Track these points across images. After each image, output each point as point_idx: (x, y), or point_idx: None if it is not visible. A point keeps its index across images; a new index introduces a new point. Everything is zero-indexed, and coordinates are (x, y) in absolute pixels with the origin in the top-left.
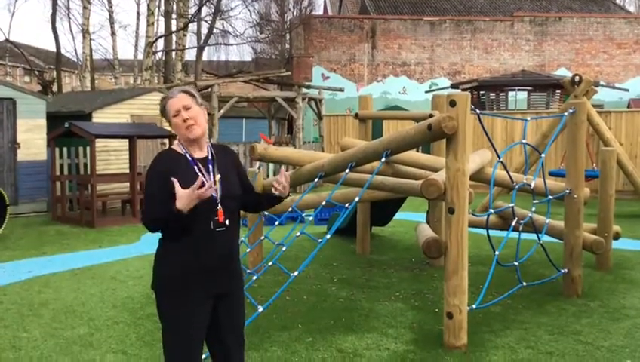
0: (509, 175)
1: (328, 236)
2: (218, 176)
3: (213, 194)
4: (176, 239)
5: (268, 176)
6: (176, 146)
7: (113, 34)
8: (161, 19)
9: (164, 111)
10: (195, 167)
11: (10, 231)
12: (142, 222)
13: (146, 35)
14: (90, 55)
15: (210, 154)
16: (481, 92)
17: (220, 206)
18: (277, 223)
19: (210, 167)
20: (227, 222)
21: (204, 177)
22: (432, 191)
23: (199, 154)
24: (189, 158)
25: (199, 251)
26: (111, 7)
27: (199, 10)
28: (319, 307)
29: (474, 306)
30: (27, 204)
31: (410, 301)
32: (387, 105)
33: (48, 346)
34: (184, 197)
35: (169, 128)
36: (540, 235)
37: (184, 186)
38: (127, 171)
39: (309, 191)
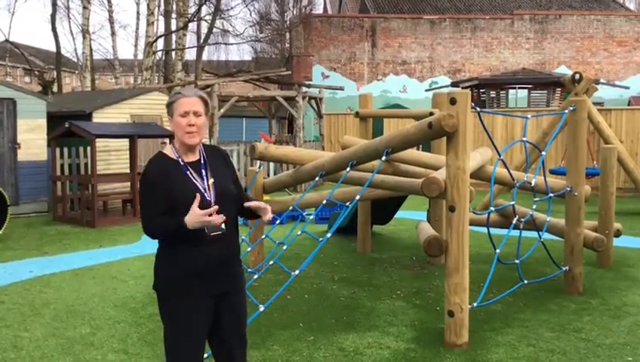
0: (509, 173)
1: (329, 235)
2: (211, 181)
3: (207, 198)
4: (174, 243)
5: (268, 175)
6: (168, 150)
7: (113, 34)
8: (161, 18)
9: (170, 106)
10: (188, 173)
11: (11, 231)
12: (144, 231)
13: (146, 34)
14: (91, 55)
15: (202, 158)
16: (482, 90)
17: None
18: (278, 222)
19: (203, 171)
20: (223, 226)
21: (196, 182)
22: (433, 189)
23: (191, 157)
24: (181, 163)
25: (197, 255)
26: (111, 7)
27: (199, 10)
28: (320, 306)
29: (475, 304)
30: (28, 204)
31: (411, 299)
32: (387, 103)
33: (50, 346)
34: (194, 216)
35: (169, 128)
36: (540, 233)
37: (182, 194)
38: (128, 171)
39: (309, 190)
